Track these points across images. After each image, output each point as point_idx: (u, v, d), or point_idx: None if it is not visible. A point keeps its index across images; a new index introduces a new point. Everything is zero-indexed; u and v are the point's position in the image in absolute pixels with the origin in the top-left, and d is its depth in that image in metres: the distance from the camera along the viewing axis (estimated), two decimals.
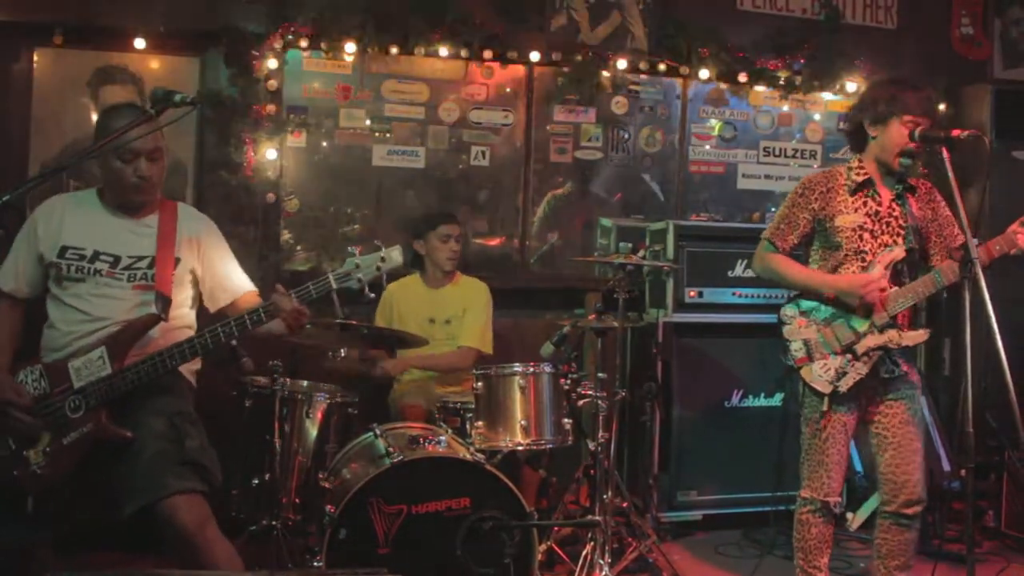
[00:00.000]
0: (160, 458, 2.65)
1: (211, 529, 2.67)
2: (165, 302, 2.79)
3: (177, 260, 2.88)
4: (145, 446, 2.67)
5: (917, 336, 3.16)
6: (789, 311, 3.27)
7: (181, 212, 2.96)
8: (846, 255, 3.17)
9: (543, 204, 5.22)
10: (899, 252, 3.13)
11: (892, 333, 3.13)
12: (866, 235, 3.15)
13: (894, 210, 3.18)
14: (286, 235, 4.80)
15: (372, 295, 2.72)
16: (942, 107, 5.05)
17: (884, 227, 3.16)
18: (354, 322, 3.58)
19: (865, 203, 3.17)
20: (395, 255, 2.69)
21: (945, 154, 2.90)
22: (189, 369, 2.97)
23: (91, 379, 2.69)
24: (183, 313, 2.94)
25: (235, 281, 3.03)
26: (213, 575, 2.58)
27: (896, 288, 3.12)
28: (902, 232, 3.16)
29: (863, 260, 3.15)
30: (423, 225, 4.33)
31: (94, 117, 4.33)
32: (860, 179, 3.18)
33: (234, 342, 3.44)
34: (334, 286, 2.67)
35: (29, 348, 2.91)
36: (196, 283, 2.99)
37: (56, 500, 2.75)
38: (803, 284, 3.25)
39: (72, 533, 2.90)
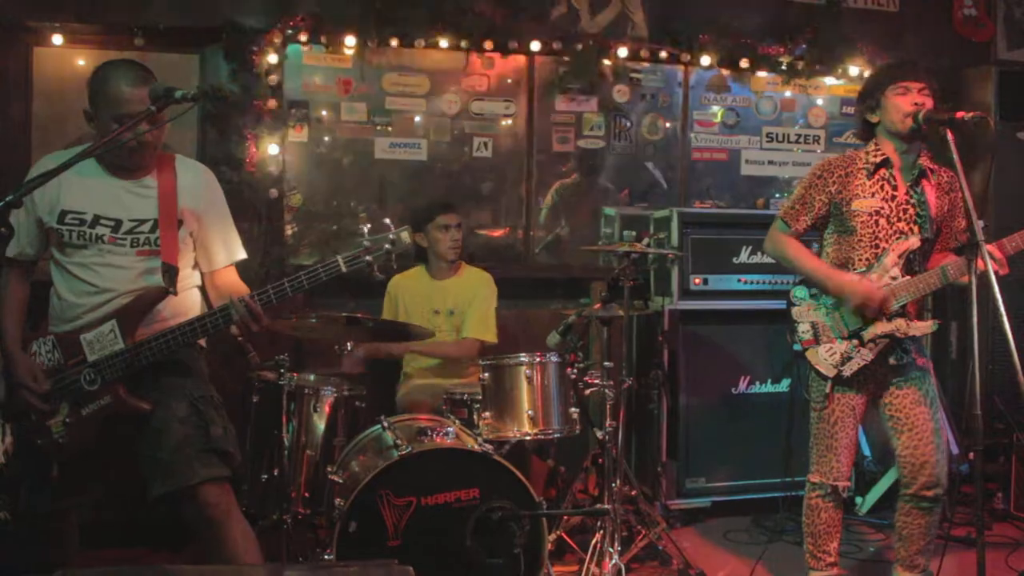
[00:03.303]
0: (186, 444, 2.68)
1: (234, 513, 2.73)
2: (172, 272, 2.76)
3: (179, 223, 2.82)
4: (170, 429, 2.69)
5: (925, 327, 3.15)
6: (799, 292, 3.27)
7: (180, 169, 2.86)
8: (859, 240, 3.15)
9: (550, 194, 5.21)
10: (914, 242, 3.12)
11: (900, 322, 3.11)
12: (882, 221, 3.13)
13: (911, 197, 3.16)
14: (290, 230, 4.80)
15: (382, 276, 2.70)
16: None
17: (901, 213, 3.14)
18: (359, 315, 3.58)
19: (882, 187, 3.15)
20: (404, 236, 2.68)
21: (950, 136, 2.89)
22: None
23: (104, 353, 2.70)
24: (187, 274, 2.90)
25: (220, 253, 2.95)
26: (223, 569, 2.60)
27: (908, 278, 3.11)
28: (918, 221, 3.15)
29: (877, 247, 3.14)
30: (422, 217, 4.31)
31: None
32: (877, 160, 3.16)
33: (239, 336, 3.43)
34: (343, 269, 2.65)
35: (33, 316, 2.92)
36: (195, 243, 2.94)
37: (79, 470, 2.77)
38: (809, 274, 3.23)
39: (98, 514, 2.93)
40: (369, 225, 2.74)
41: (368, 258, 2.64)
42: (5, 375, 2.76)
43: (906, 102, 3.08)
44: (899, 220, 3.14)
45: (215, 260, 2.94)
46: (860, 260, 3.16)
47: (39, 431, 2.73)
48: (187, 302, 2.86)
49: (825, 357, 3.17)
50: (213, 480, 2.67)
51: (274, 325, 3.40)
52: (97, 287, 2.75)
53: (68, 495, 2.80)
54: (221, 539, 2.68)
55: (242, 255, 3.00)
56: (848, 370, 3.13)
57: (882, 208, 3.13)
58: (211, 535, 2.69)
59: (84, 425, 2.71)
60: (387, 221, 2.70)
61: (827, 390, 3.16)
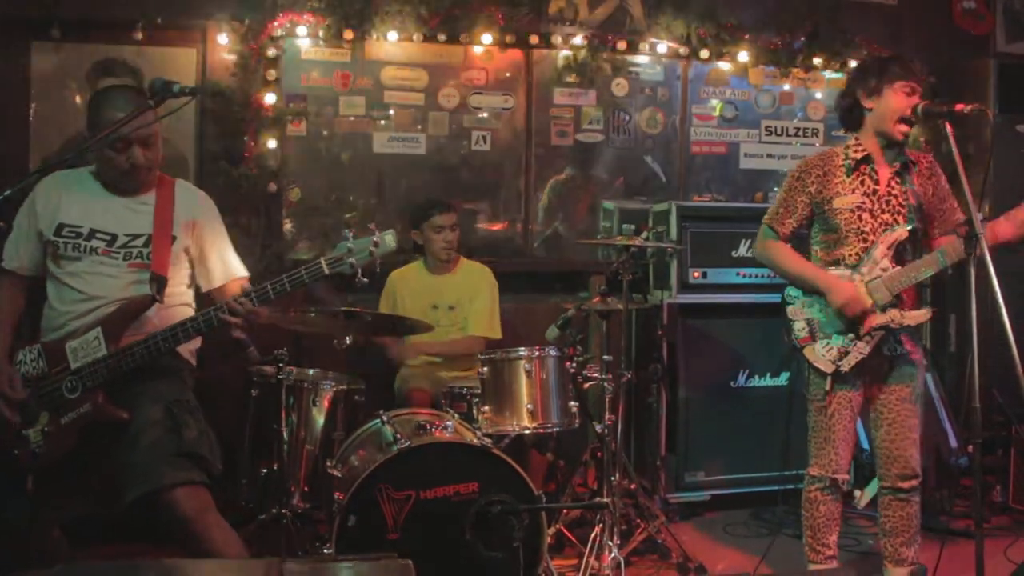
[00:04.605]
0: (158, 448, 2.67)
1: (211, 517, 2.70)
2: (160, 282, 2.78)
3: (173, 239, 2.85)
4: (143, 434, 2.69)
5: (919, 316, 3.15)
6: (793, 291, 3.27)
7: (179, 190, 2.92)
8: (846, 236, 3.15)
9: (545, 191, 5.20)
10: (902, 232, 3.12)
11: (894, 313, 3.12)
12: (865, 215, 3.14)
13: (893, 188, 3.16)
14: (288, 224, 4.79)
15: (365, 280, 2.69)
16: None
17: (884, 206, 3.14)
18: (358, 309, 3.59)
19: (863, 182, 3.15)
20: (388, 239, 2.68)
21: (949, 129, 2.88)
22: (188, 349, 2.95)
23: (87, 360, 2.70)
24: (179, 291, 2.92)
25: (217, 269, 2.98)
26: (222, 563, 2.60)
27: (898, 268, 3.11)
28: (903, 211, 3.15)
29: (864, 241, 3.14)
30: (418, 215, 4.32)
31: None
32: (859, 156, 3.16)
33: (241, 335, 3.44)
34: (326, 271, 2.64)
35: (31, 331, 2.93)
36: (191, 262, 2.97)
37: (56, 479, 2.76)
38: (796, 277, 3.24)
39: (80, 519, 2.91)
40: (354, 230, 2.72)
41: (351, 260, 2.64)
42: None
43: (907, 104, 3.07)
44: (883, 212, 3.14)
45: (213, 277, 2.97)
46: (850, 256, 3.16)
47: (16, 440, 2.72)
48: (176, 318, 2.85)
49: (823, 354, 3.17)
50: (185, 484, 2.65)
51: (273, 321, 3.41)
52: (85, 294, 2.77)
53: (44, 507, 2.79)
54: (200, 544, 2.65)
55: (243, 273, 3.02)
56: (846, 365, 3.13)
57: (863, 203, 3.14)
58: (187, 540, 2.66)
59: (63, 434, 2.71)
60: (372, 226, 2.70)
61: (827, 387, 3.16)
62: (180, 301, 2.94)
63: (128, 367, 2.70)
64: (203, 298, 3.04)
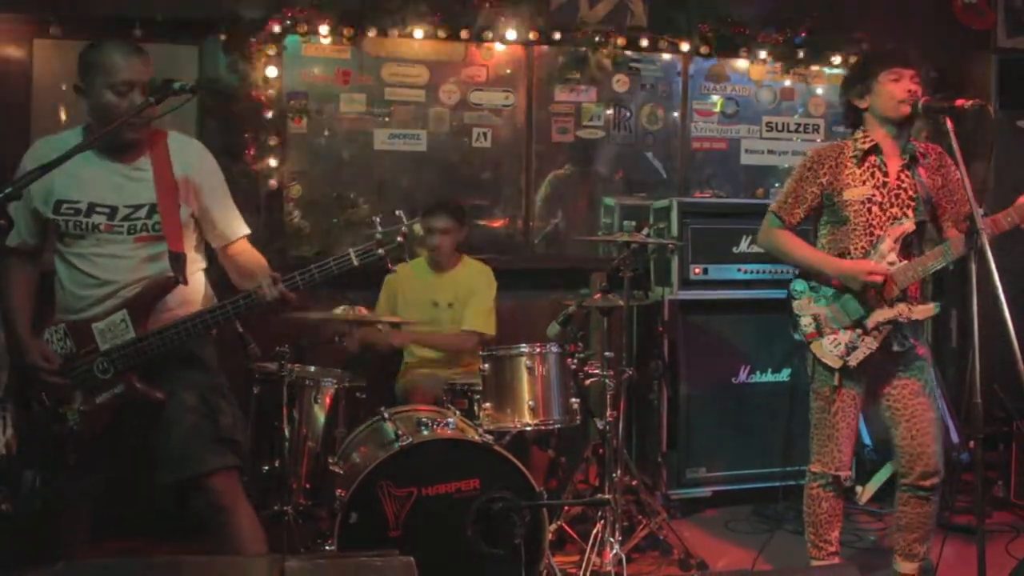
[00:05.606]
0: (195, 434, 2.70)
1: (241, 501, 2.76)
2: (180, 260, 2.73)
3: (178, 206, 2.78)
4: (180, 418, 2.70)
5: (927, 310, 3.15)
6: (798, 286, 3.26)
7: (172, 146, 2.83)
8: (853, 229, 3.15)
9: (543, 185, 5.20)
10: (909, 225, 3.11)
11: (902, 307, 3.11)
12: (874, 208, 3.13)
13: (903, 181, 3.15)
14: (290, 221, 4.79)
15: (394, 270, 2.69)
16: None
17: (893, 199, 3.13)
18: (361, 309, 3.59)
19: (873, 174, 3.14)
20: (417, 228, 2.69)
21: (949, 124, 2.88)
22: None
23: (116, 342, 2.69)
24: (192, 257, 2.86)
25: (224, 227, 2.90)
26: (223, 559, 2.61)
27: (906, 262, 3.11)
28: (912, 204, 3.14)
29: (871, 234, 3.13)
30: (421, 212, 4.30)
31: None
32: (867, 146, 3.15)
33: (239, 328, 3.42)
34: (355, 262, 2.62)
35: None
36: (196, 222, 2.89)
37: (92, 459, 2.76)
38: (807, 264, 3.23)
39: (98, 505, 2.91)
40: (380, 216, 2.71)
41: (380, 251, 2.62)
42: (16, 363, 2.75)
43: (900, 89, 3.07)
44: (892, 206, 3.13)
45: (222, 235, 2.90)
46: (856, 248, 3.15)
47: (54, 418, 2.72)
48: (193, 288, 2.83)
49: (830, 349, 3.16)
50: (222, 470, 2.70)
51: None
52: (98, 279, 2.73)
53: (80, 483, 2.80)
54: (228, 527, 2.71)
55: (245, 230, 2.94)
56: (854, 360, 3.13)
57: (873, 195, 3.13)
58: (219, 523, 2.72)
59: (98, 413, 2.71)
60: (399, 213, 2.68)
61: (835, 382, 3.15)
62: (195, 269, 2.89)
63: (158, 350, 2.69)
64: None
